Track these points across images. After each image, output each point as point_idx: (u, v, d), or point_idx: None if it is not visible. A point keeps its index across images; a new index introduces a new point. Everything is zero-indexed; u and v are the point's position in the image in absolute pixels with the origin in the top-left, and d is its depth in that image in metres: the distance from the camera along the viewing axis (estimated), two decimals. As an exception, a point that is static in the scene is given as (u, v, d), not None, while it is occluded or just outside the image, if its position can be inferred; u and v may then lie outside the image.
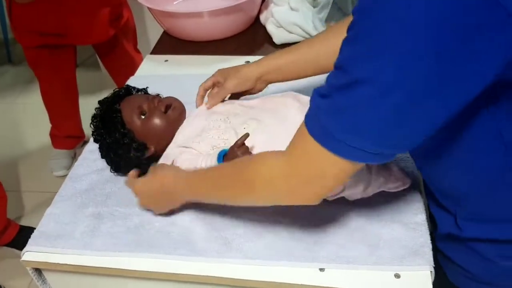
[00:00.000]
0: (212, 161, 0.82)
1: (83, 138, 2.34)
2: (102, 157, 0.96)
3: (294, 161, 0.63)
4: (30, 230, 1.86)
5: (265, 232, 0.83)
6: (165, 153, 0.92)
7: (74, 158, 2.30)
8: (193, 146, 0.88)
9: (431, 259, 0.77)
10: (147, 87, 1.03)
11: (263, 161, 0.69)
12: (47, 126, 2.24)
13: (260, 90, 0.99)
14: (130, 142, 0.91)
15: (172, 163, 0.88)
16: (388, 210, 0.85)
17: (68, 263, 0.83)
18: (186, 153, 0.88)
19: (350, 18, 0.55)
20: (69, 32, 1.81)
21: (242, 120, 0.89)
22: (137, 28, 2.12)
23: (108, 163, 0.96)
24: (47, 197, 2.14)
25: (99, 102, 0.96)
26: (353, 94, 0.53)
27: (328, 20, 1.33)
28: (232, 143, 0.84)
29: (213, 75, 1.00)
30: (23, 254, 0.86)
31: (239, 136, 0.84)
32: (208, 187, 0.80)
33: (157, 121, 0.92)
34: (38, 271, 0.89)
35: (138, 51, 2.15)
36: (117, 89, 0.99)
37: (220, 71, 0.99)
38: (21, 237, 1.85)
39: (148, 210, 0.89)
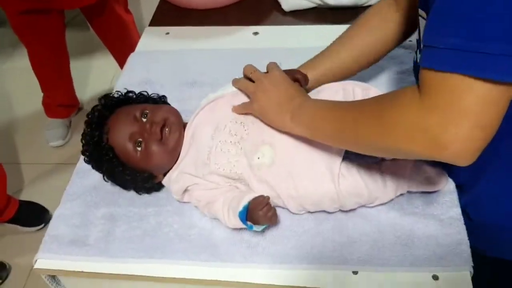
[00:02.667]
0: (235, 219, 0.75)
1: (78, 106, 2.26)
2: (106, 180, 0.87)
3: (432, 104, 0.52)
4: (30, 205, 1.86)
5: (291, 233, 0.79)
6: (174, 178, 0.83)
7: (69, 127, 2.23)
8: (205, 179, 0.80)
9: (470, 258, 0.73)
10: (127, 92, 0.90)
11: (401, 110, 0.56)
12: (38, 93, 2.14)
13: None
14: (134, 176, 0.83)
15: (186, 190, 0.82)
16: (420, 203, 0.81)
17: (84, 271, 0.79)
18: (201, 185, 0.80)
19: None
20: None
21: (253, 145, 0.79)
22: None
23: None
24: (44, 168, 2.10)
25: (83, 133, 0.84)
26: None
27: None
28: (246, 176, 0.78)
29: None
30: (36, 261, 0.81)
31: (254, 170, 0.77)
32: (336, 126, 0.68)
33: (156, 151, 0.81)
34: (52, 275, 0.84)
35: (128, 12, 2.03)
36: (96, 108, 0.85)
37: None
38: (22, 212, 1.82)
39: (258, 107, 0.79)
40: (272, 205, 0.75)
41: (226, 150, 0.79)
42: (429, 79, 0.53)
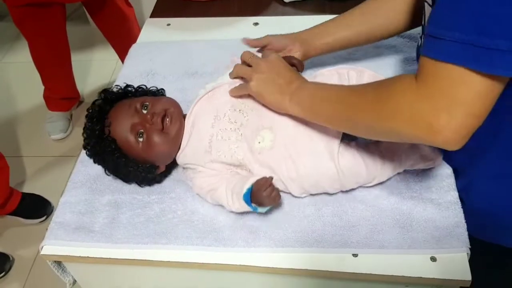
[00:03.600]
0: (239, 201, 0.76)
1: (78, 99, 2.26)
2: (108, 174, 0.88)
3: (429, 92, 0.55)
4: (33, 197, 1.88)
5: (292, 218, 0.81)
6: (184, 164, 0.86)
7: (70, 120, 2.24)
8: (206, 167, 0.82)
9: (467, 240, 0.75)
10: (126, 86, 0.91)
11: (399, 96, 0.59)
12: (39, 86, 2.15)
13: (306, 58, 0.94)
14: (137, 167, 0.84)
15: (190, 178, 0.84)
16: (418, 188, 0.83)
17: (90, 256, 0.80)
18: (203, 172, 0.82)
19: None
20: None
21: (253, 131, 0.80)
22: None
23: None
24: (46, 161, 2.11)
25: (84, 127, 0.85)
26: None
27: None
28: (246, 161, 0.79)
29: (276, 39, 0.93)
30: (42, 247, 0.83)
31: (255, 154, 0.79)
32: (335, 107, 0.70)
33: (158, 141, 0.82)
34: (58, 261, 0.86)
35: (129, 5, 2.04)
36: (96, 102, 0.86)
37: (288, 37, 0.92)
38: (24, 205, 1.84)
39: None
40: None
41: (227, 138, 0.81)
42: (429, 67, 0.55)
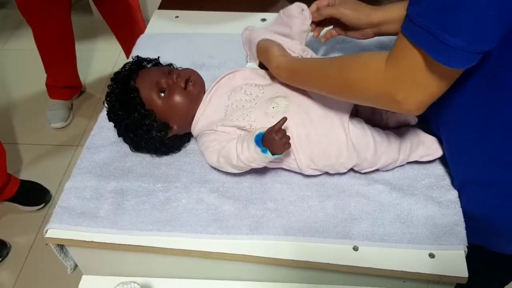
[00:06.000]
0: (249, 146, 0.78)
1: (80, 88, 2.27)
2: (119, 135, 0.92)
3: (396, 70, 0.63)
4: (31, 184, 1.88)
5: (295, 208, 0.82)
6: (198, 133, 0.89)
7: (71, 109, 2.24)
8: (218, 130, 0.85)
9: (465, 238, 0.77)
10: (158, 57, 0.97)
11: (366, 66, 0.68)
12: (41, 74, 2.15)
13: (364, 38, 0.94)
14: (152, 122, 0.86)
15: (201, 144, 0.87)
16: (419, 185, 0.84)
17: (94, 241, 0.81)
18: (214, 134, 0.85)
19: None
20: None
21: (268, 98, 0.86)
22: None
23: (126, 141, 0.92)
24: (45, 149, 2.11)
25: (112, 79, 0.90)
26: None
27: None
28: (258, 125, 0.81)
29: None
30: (47, 231, 0.84)
31: (268, 117, 0.81)
32: (309, 77, 0.80)
33: (178, 98, 0.87)
34: (60, 245, 0.87)
35: (135, -3, 2.04)
36: (128, 63, 0.92)
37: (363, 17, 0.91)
38: (22, 191, 1.84)
39: None
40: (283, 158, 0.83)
41: (241, 106, 0.85)
42: (401, 45, 0.62)
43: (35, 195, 1.88)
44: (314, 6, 0.93)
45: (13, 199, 1.84)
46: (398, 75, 0.63)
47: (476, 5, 0.53)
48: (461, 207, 0.81)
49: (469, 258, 0.76)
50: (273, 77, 0.90)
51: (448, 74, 0.61)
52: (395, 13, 0.88)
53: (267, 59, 0.87)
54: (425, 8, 0.56)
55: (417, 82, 0.62)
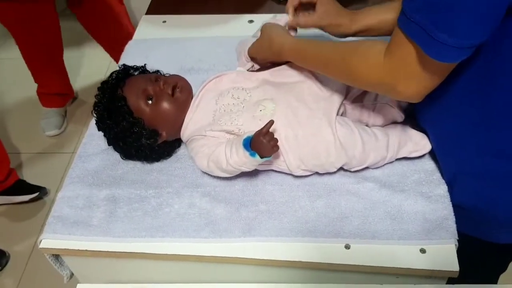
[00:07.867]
0: (238, 150, 0.79)
1: (72, 95, 2.26)
2: (109, 144, 0.92)
3: (393, 63, 0.66)
4: (25, 182, 1.88)
5: (287, 209, 0.83)
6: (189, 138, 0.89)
7: (65, 116, 2.24)
8: (207, 134, 0.85)
9: (455, 231, 0.78)
10: (145, 64, 0.97)
11: (366, 58, 0.71)
12: (33, 83, 2.14)
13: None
14: (141, 130, 0.87)
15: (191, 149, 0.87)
16: (409, 181, 0.85)
17: (88, 249, 0.82)
18: (204, 139, 0.85)
19: None
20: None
21: (256, 101, 0.86)
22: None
23: (116, 150, 0.93)
24: (40, 157, 2.12)
25: (99, 88, 0.90)
26: None
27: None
28: (246, 128, 0.82)
29: None
30: (41, 241, 0.84)
31: (256, 120, 0.82)
32: (315, 62, 0.82)
33: (166, 105, 0.87)
34: (55, 255, 0.87)
35: (121, 2, 2.00)
36: (114, 72, 0.92)
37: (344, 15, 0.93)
38: (18, 185, 1.87)
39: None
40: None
41: (229, 110, 0.86)
42: (397, 38, 0.64)
43: (31, 187, 1.90)
44: (289, 7, 0.94)
45: (7, 191, 1.85)
46: (395, 67, 0.66)
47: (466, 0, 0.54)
48: (453, 199, 0.82)
49: (462, 249, 0.77)
50: (260, 80, 0.90)
51: (441, 68, 0.63)
52: (374, 20, 0.90)
53: (270, 38, 0.88)
54: (418, 4, 0.58)
55: (412, 74, 0.64)
